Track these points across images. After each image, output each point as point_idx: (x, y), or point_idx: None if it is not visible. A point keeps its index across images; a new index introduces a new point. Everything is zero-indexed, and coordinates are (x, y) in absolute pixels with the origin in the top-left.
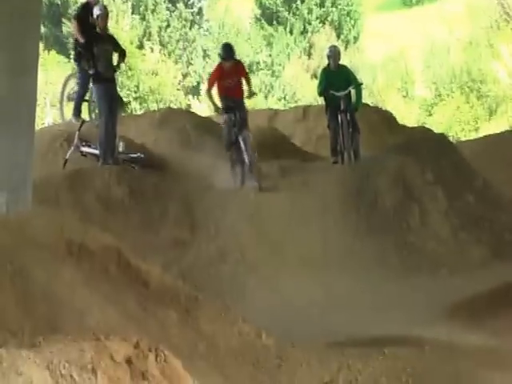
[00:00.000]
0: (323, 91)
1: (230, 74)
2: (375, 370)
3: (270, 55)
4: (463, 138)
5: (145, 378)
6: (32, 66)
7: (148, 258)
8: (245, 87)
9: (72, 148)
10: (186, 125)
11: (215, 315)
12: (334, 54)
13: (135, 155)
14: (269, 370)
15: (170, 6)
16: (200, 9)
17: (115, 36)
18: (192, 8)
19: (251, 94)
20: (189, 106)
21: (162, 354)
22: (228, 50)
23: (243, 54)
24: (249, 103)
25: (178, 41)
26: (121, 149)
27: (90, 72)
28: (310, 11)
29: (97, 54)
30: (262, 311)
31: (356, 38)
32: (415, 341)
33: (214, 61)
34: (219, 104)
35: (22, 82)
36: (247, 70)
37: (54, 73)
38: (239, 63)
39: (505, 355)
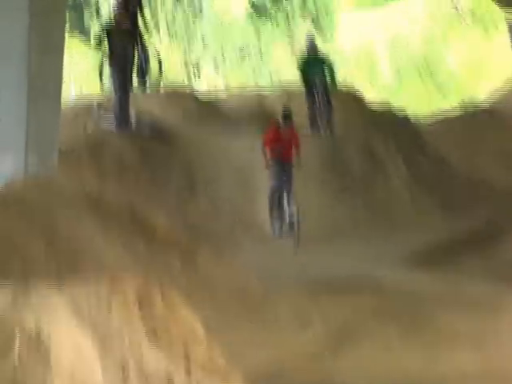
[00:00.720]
0: (302, 75)
1: (284, 140)
2: (345, 309)
3: (259, 43)
4: (420, 116)
5: (152, 311)
6: (59, 47)
7: (155, 211)
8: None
9: (93, 118)
10: (188, 102)
11: (212, 260)
12: (310, 41)
13: (146, 125)
14: (256, 307)
15: (176, 1)
16: (201, 5)
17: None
18: (194, 4)
19: (299, 165)
20: (190, 84)
21: (166, 291)
22: (288, 117)
23: (238, 42)
24: (240, 83)
25: (181, 29)
26: (133, 119)
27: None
28: (293, 8)
29: (113, 42)
30: (254, 258)
31: (331, 32)
32: (378, 285)
33: (212, 48)
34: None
35: (50, 61)
36: (299, 142)
37: (78, 55)
38: (295, 132)
39: (456, 298)
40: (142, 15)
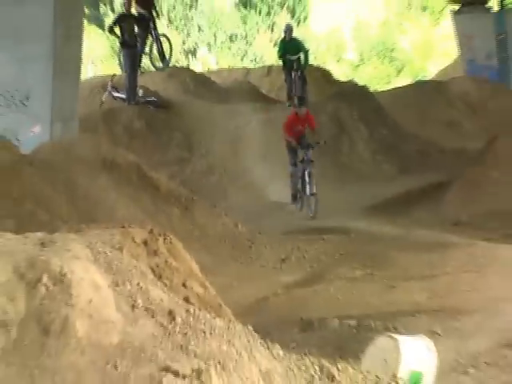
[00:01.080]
0: (281, 56)
1: (302, 121)
2: (317, 250)
3: (245, 30)
4: (379, 89)
5: (156, 254)
6: (78, 34)
7: (158, 170)
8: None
9: (106, 93)
10: (186, 78)
11: (206, 211)
12: (288, 29)
13: (150, 99)
14: (243, 249)
15: None
16: None
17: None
18: None
19: (316, 142)
20: (188, 64)
21: (168, 237)
22: (303, 100)
23: (227, 28)
24: (230, 63)
25: (180, 19)
26: (140, 94)
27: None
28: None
29: (124, 28)
30: (241, 209)
31: (305, 18)
32: (344, 230)
33: (206, 34)
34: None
35: (71, 46)
36: (314, 122)
37: (94, 42)
38: (309, 114)
39: (409, 241)
40: (155, 5)
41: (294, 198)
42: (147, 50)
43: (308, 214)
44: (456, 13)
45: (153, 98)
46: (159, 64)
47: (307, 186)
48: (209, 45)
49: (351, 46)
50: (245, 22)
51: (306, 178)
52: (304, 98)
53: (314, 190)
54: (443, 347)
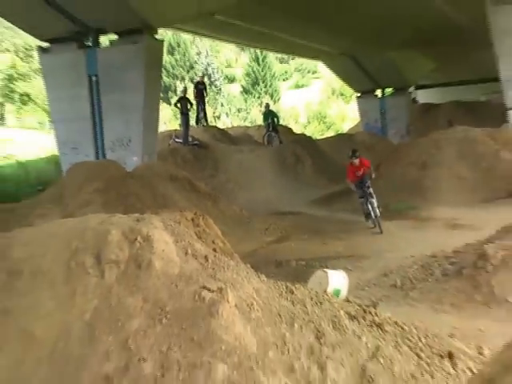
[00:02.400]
0: (264, 119)
1: (358, 166)
2: (285, 223)
3: (246, 106)
4: (318, 138)
5: (198, 226)
6: (157, 108)
7: (199, 181)
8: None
9: (172, 140)
10: (215, 131)
11: (225, 203)
12: (267, 106)
13: (196, 142)
14: (244, 224)
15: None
16: (220, 88)
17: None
18: (216, 85)
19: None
20: (215, 123)
21: (204, 217)
22: (355, 152)
23: (236, 105)
24: (238, 124)
25: (212, 99)
26: (190, 139)
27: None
28: (261, 90)
29: (182, 104)
30: (245, 202)
31: (278, 100)
32: (299, 213)
33: (225, 108)
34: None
35: (154, 113)
36: (369, 163)
37: (164, 111)
38: (363, 159)
39: (333, 219)
40: (206, 91)
41: (367, 217)
42: (196, 116)
43: (377, 230)
44: (358, 98)
45: (197, 142)
46: (202, 123)
47: (372, 212)
48: (227, 114)
49: (303, 114)
50: (246, 101)
51: (370, 207)
52: (277, 142)
53: (378, 214)
54: (352, 276)
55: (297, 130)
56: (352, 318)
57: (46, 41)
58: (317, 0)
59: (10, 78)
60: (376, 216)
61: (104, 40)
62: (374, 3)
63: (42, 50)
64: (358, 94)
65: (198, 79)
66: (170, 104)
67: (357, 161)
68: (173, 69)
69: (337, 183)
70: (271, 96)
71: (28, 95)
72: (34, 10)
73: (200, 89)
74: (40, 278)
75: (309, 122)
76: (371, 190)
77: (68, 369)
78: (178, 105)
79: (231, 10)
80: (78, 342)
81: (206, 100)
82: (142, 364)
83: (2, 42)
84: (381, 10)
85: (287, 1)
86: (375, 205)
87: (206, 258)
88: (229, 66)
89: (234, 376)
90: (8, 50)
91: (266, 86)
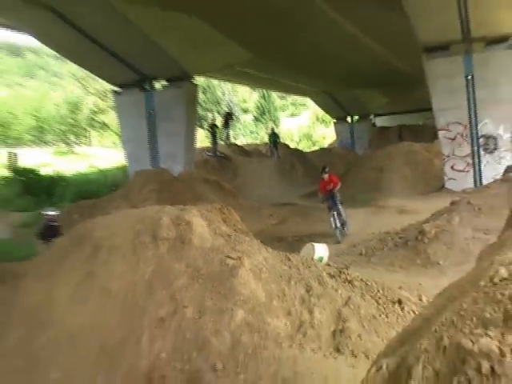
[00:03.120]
0: (269, 139)
1: (328, 181)
2: (284, 211)
3: (256, 129)
4: (307, 151)
5: (223, 213)
6: (194, 131)
7: (224, 182)
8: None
9: (205, 153)
10: (235, 147)
11: (242, 198)
12: (272, 129)
13: (222, 155)
14: (256, 211)
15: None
16: (238, 117)
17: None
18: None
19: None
20: (235, 142)
21: (228, 207)
22: (325, 168)
23: (250, 129)
24: (251, 142)
25: (233, 125)
26: (217, 153)
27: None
28: (267, 118)
29: (212, 129)
30: (255, 197)
31: (278, 125)
32: (293, 204)
33: (242, 130)
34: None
35: (191, 134)
36: (337, 180)
37: (199, 134)
38: (333, 176)
39: (315, 207)
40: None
41: (335, 229)
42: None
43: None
44: (334, 123)
45: (222, 155)
46: (226, 142)
47: (337, 222)
48: (243, 135)
49: (296, 135)
50: (256, 126)
51: (338, 220)
52: (278, 155)
53: (339, 224)
54: (330, 248)
55: (292, 145)
56: (331, 276)
57: (117, 86)
58: (304, 57)
59: (94, 113)
60: (342, 225)
61: (158, 85)
62: (342, 59)
63: (115, 92)
64: (335, 120)
65: (225, 111)
66: (203, 128)
67: (326, 176)
68: (205, 104)
69: (315, 184)
70: (274, 122)
71: (106, 124)
72: (108, 64)
73: (227, 118)
74: (114, 251)
75: (300, 140)
76: (340, 206)
77: (134, 314)
78: (209, 129)
79: (245, 64)
80: (141, 295)
81: (230, 125)
82: (184, 310)
83: (88, 87)
84: (348, 63)
85: (283, 57)
86: (343, 217)
87: (228, 236)
88: (244, 101)
89: (249, 318)
90: (91, 93)
91: (270, 116)
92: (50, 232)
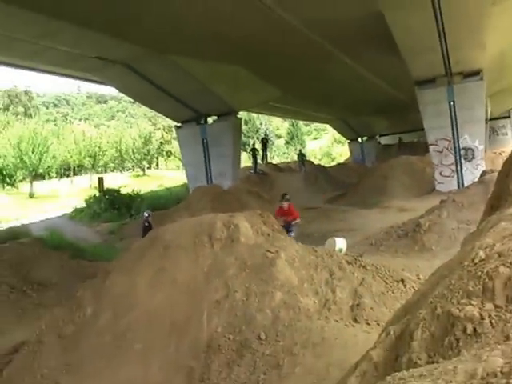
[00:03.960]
0: (298, 158)
1: (285, 210)
2: (311, 214)
3: (288, 151)
4: (327, 165)
5: (263, 217)
6: (239, 152)
7: (263, 193)
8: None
9: (248, 171)
10: (270, 165)
11: (275, 203)
12: (300, 150)
13: (261, 172)
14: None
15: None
16: (267, 134)
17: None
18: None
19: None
20: (271, 161)
21: (267, 212)
22: (285, 196)
23: (282, 151)
24: (282, 161)
25: (266, 149)
26: (258, 170)
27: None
28: (296, 141)
29: (253, 152)
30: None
31: (304, 146)
32: (320, 207)
33: (276, 152)
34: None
35: (237, 157)
36: (297, 214)
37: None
38: (291, 205)
39: (340, 210)
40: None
41: None
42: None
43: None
44: (348, 143)
45: (262, 172)
46: (264, 162)
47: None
48: (277, 155)
49: (318, 153)
50: (287, 148)
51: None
52: (305, 169)
53: None
54: (348, 240)
55: (315, 162)
56: (349, 263)
57: (179, 122)
58: (322, 92)
59: (161, 143)
60: None
61: (210, 120)
62: (353, 93)
63: (176, 127)
64: (348, 141)
65: (263, 137)
66: (246, 152)
67: (286, 204)
68: (247, 132)
69: (338, 190)
70: (301, 144)
71: (171, 152)
72: (172, 106)
73: (264, 142)
74: (180, 250)
75: (322, 157)
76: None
77: (196, 298)
78: (251, 152)
79: (277, 100)
80: (201, 283)
81: (267, 148)
82: (235, 294)
83: (157, 124)
84: (357, 95)
85: (306, 93)
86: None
87: (268, 234)
88: (277, 128)
89: (285, 298)
90: (159, 128)
91: (298, 139)
92: (145, 229)
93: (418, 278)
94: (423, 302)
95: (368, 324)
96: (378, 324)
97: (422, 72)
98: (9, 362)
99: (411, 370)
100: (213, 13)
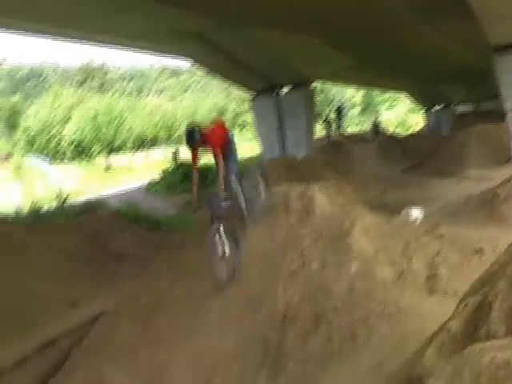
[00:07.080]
0: (372, 127)
1: None
2: (386, 184)
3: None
4: (402, 134)
5: (339, 188)
6: (312, 123)
7: (337, 164)
8: None
9: (324, 141)
10: (345, 136)
11: (352, 175)
12: (374, 119)
13: (336, 142)
14: (364, 185)
15: None
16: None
17: None
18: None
19: None
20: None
21: (343, 183)
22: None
23: None
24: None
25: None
26: (331, 140)
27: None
28: (371, 111)
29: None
30: (363, 173)
31: (379, 116)
32: (393, 178)
33: None
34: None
35: (310, 127)
36: None
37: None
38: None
39: (414, 180)
40: (342, 113)
41: None
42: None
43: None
44: (423, 112)
45: (336, 142)
46: (339, 131)
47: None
48: (351, 125)
49: (393, 123)
50: (362, 118)
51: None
52: (377, 138)
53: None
54: (424, 211)
55: (390, 132)
56: (425, 233)
57: (253, 92)
58: (397, 62)
59: (236, 115)
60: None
61: (284, 90)
62: (428, 61)
63: (252, 98)
64: (424, 110)
65: (337, 107)
66: (320, 122)
67: None
68: (320, 103)
69: (413, 160)
70: (375, 114)
71: (246, 122)
72: (246, 77)
73: (339, 112)
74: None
75: (396, 127)
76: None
77: (272, 268)
78: (324, 123)
79: (349, 69)
80: (277, 253)
81: (341, 118)
82: (311, 264)
83: (231, 95)
84: (432, 64)
85: (380, 63)
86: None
87: (343, 205)
88: (353, 97)
89: (360, 268)
90: (233, 100)
91: (372, 109)
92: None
93: (495, 250)
94: (501, 274)
95: (444, 295)
96: (455, 295)
97: (501, 38)
98: (89, 332)
99: (490, 341)
100: None
